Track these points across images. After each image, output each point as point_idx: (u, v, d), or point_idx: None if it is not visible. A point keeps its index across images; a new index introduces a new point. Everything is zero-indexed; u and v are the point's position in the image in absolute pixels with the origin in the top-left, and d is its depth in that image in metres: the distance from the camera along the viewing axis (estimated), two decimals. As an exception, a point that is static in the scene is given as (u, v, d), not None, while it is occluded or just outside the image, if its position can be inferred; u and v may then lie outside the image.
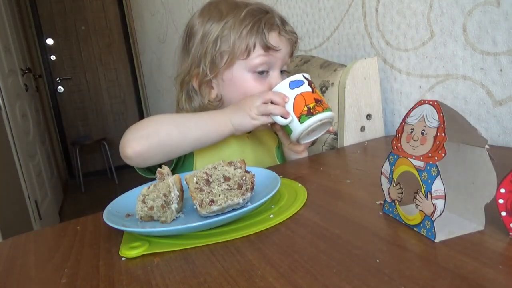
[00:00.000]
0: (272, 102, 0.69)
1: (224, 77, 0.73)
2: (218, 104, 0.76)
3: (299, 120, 0.68)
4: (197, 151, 0.75)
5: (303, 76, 0.69)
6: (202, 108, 0.76)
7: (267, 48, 0.71)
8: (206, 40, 0.72)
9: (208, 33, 0.72)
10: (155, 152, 0.65)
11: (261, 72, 0.73)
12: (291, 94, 0.68)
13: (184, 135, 0.66)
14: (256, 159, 0.80)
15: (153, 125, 0.67)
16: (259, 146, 0.83)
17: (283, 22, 0.75)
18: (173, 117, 0.70)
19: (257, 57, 0.71)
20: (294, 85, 0.68)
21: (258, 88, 0.72)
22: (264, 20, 0.71)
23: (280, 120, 0.69)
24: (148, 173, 0.72)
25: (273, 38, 0.72)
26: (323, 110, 0.68)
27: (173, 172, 0.76)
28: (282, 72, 0.76)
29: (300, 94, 0.68)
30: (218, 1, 0.76)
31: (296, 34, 0.77)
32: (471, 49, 0.70)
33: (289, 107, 0.68)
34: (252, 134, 0.82)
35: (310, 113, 0.67)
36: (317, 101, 0.68)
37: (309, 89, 0.69)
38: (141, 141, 0.64)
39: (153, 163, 0.68)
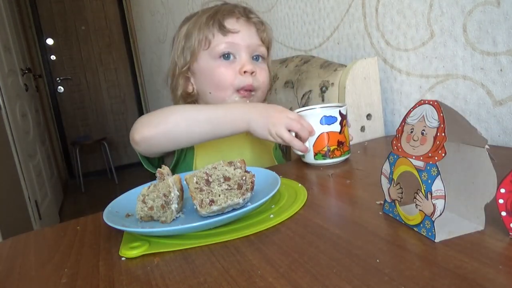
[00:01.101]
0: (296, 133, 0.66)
1: (195, 70, 0.77)
2: (194, 98, 0.80)
3: (314, 156, 0.68)
4: (198, 146, 0.76)
5: (340, 112, 0.66)
6: (182, 100, 0.80)
7: (225, 32, 0.73)
8: (177, 40, 0.79)
9: (179, 34, 0.79)
10: (160, 139, 0.67)
11: (226, 57, 0.74)
12: (318, 129, 0.66)
13: (192, 128, 0.67)
14: (254, 158, 0.80)
15: (164, 115, 0.68)
16: (258, 145, 0.83)
17: (246, 11, 0.77)
18: (186, 109, 0.70)
19: (218, 44, 0.73)
20: (325, 121, 0.66)
21: (227, 73, 0.73)
22: (221, 9, 0.76)
23: (295, 150, 0.68)
24: (150, 167, 0.74)
25: (230, 23, 0.74)
26: (341, 155, 0.67)
27: (176, 166, 0.78)
28: (257, 58, 0.77)
29: (326, 132, 0.66)
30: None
31: (263, 22, 0.78)
32: (471, 49, 0.70)
33: (311, 139, 0.67)
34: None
35: (328, 155, 0.67)
36: (339, 144, 0.67)
37: (338, 129, 0.66)
38: (149, 128, 0.66)
39: (157, 150, 0.70)
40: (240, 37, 0.74)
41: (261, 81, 0.76)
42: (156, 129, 0.66)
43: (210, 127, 0.67)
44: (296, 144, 0.65)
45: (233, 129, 0.67)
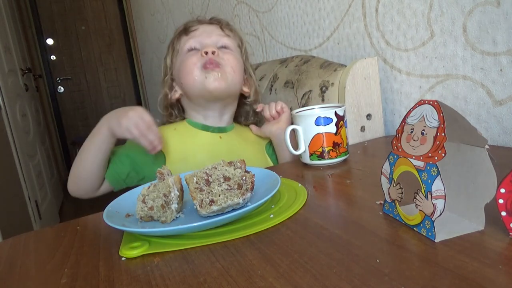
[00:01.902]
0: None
1: (174, 76, 0.86)
2: (170, 101, 0.87)
3: (309, 156, 0.68)
4: (168, 159, 0.78)
5: (335, 113, 0.66)
6: (162, 108, 0.90)
7: (188, 32, 0.84)
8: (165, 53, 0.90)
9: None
10: (79, 186, 0.75)
11: (191, 50, 0.82)
12: (313, 130, 0.67)
13: (83, 161, 0.73)
14: (235, 156, 0.78)
15: (72, 169, 0.76)
16: (242, 144, 0.84)
17: (212, 19, 0.88)
18: (79, 152, 0.75)
19: (184, 44, 0.83)
20: (320, 122, 0.66)
21: (192, 59, 0.80)
22: (191, 20, 0.88)
23: (291, 150, 0.69)
24: (119, 185, 0.78)
25: (192, 25, 0.86)
26: (336, 156, 0.67)
27: (142, 180, 0.80)
28: (225, 48, 0.84)
29: (321, 133, 0.66)
30: None
31: (227, 23, 0.89)
32: (471, 49, 0.70)
33: (307, 139, 0.68)
34: (228, 134, 0.84)
35: (323, 156, 0.67)
36: (335, 145, 0.67)
37: (334, 130, 0.66)
38: (71, 185, 0.77)
39: (86, 192, 0.76)
40: (201, 31, 0.84)
41: (225, 58, 0.81)
42: (70, 180, 0.75)
43: (87, 149, 0.73)
44: (142, 141, 0.70)
45: (101, 136, 0.72)
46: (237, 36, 0.88)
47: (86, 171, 0.74)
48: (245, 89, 0.89)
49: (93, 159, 0.73)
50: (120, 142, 0.78)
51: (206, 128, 0.84)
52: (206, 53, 0.79)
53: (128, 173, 0.77)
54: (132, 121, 0.68)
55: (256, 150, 0.85)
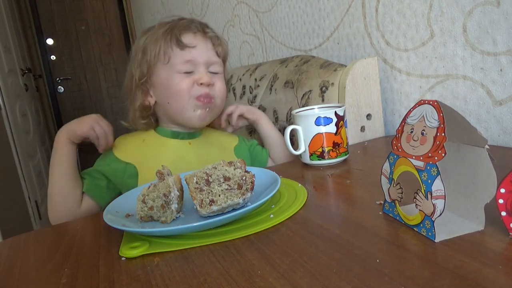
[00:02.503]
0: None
1: (153, 83, 0.79)
2: (151, 111, 0.81)
3: (309, 156, 0.68)
4: (140, 170, 0.76)
5: (335, 113, 0.66)
6: (138, 116, 0.81)
7: (183, 47, 0.76)
8: (134, 53, 0.80)
9: (136, 47, 0.80)
10: (59, 209, 0.72)
11: (187, 72, 0.76)
12: (313, 130, 0.67)
13: (54, 182, 0.71)
14: (203, 162, 0.74)
15: (48, 194, 0.73)
16: (210, 148, 0.83)
17: (202, 26, 0.80)
18: (49, 178, 0.73)
19: (177, 58, 0.76)
20: (320, 122, 0.66)
21: (184, 83, 0.75)
22: (178, 24, 0.78)
23: (291, 150, 0.69)
24: (102, 199, 0.75)
25: (187, 38, 0.77)
26: (336, 156, 0.67)
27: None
28: (216, 73, 0.79)
29: (321, 133, 0.66)
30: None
31: (218, 37, 0.81)
32: (471, 49, 0.70)
33: (307, 139, 0.68)
34: (197, 140, 0.83)
35: (323, 156, 0.67)
36: (335, 145, 0.67)
37: (334, 130, 0.66)
38: (50, 212, 0.73)
39: (68, 212, 0.72)
40: (198, 52, 0.77)
41: (217, 90, 0.79)
42: (54, 209, 0.72)
43: (53, 165, 0.72)
44: (98, 143, 0.74)
45: (61, 148, 0.72)
46: (223, 52, 0.83)
47: (60, 190, 0.71)
48: None
49: (62, 173, 0.71)
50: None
51: (175, 135, 0.81)
52: (202, 83, 0.76)
53: (106, 183, 0.76)
54: (94, 120, 0.73)
55: (224, 154, 0.84)
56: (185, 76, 0.76)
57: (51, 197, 0.72)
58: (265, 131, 0.89)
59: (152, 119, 0.83)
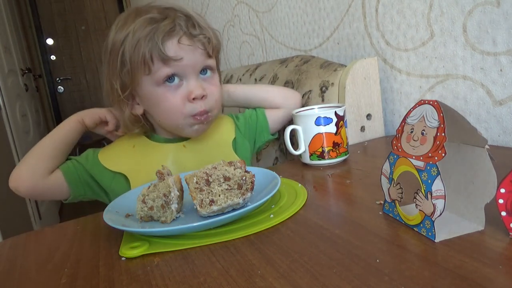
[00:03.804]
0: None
1: (139, 94, 0.70)
2: (142, 122, 0.74)
3: (309, 156, 0.68)
4: (130, 172, 0.72)
5: (335, 113, 0.66)
6: (130, 125, 0.74)
7: (166, 61, 0.65)
8: (109, 53, 0.69)
9: (111, 46, 0.68)
10: (26, 170, 0.70)
11: (170, 80, 0.67)
12: (313, 130, 0.67)
13: (43, 147, 0.71)
14: (200, 164, 0.67)
15: (24, 157, 0.72)
16: (207, 148, 0.77)
17: (188, 25, 0.67)
18: (37, 144, 0.73)
19: (159, 71, 0.65)
20: (320, 122, 0.66)
21: (174, 101, 0.67)
22: (159, 29, 0.64)
23: (291, 150, 0.69)
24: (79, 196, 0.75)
25: (171, 48, 0.65)
26: (336, 156, 0.67)
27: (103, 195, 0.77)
28: (205, 71, 0.70)
29: (321, 133, 0.66)
30: (131, 8, 0.73)
31: (207, 32, 0.69)
32: (471, 49, 0.70)
33: (307, 139, 0.68)
34: (192, 140, 0.77)
35: (322, 156, 0.67)
36: (335, 145, 0.67)
37: (334, 130, 0.66)
38: (14, 173, 0.71)
39: (32, 175, 0.69)
40: (184, 62, 0.66)
41: (213, 100, 0.70)
42: (20, 170, 0.70)
43: (57, 133, 0.73)
44: (111, 124, 0.77)
45: (70, 125, 0.74)
46: (216, 48, 0.72)
47: (40, 152, 0.70)
48: None
49: (53, 139, 0.71)
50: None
51: (168, 140, 0.76)
52: (194, 98, 0.67)
53: (82, 172, 0.73)
54: (106, 109, 0.76)
55: (223, 152, 0.78)
56: (173, 90, 0.67)
57: (25, 157, 0.70)
58: (244, 97, 0.84)
59: (147, 124, 0.76)
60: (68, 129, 0.73)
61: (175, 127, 0.71)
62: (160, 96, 0.67)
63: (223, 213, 0.48)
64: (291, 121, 0.77)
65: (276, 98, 0.85)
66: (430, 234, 0.36)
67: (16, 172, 0.70)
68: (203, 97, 0.68)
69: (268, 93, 0.86)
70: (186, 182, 0.48)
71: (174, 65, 0.66)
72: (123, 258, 0.43)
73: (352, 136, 0.82)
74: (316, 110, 0.73)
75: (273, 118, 0.85)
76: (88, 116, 0.74)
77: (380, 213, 0.44)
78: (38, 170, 0.69)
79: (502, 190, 0.34)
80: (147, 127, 0.76)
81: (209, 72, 0.71)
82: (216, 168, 0.49)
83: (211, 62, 0.71)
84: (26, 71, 2.90)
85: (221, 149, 0.79)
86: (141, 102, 0.72)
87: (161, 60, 0.65)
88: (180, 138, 0.77)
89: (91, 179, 0.74)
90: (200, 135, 0.75)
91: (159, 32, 0.64)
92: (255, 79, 1.15)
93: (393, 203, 0.42)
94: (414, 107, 0.39)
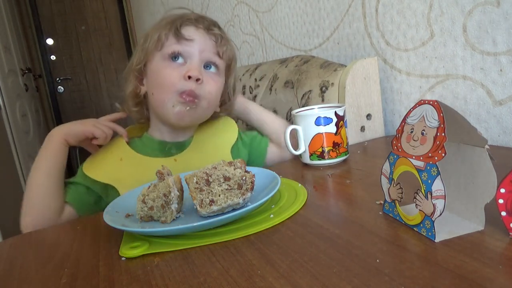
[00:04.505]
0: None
1: (147, 71, 0.75)
2: (140, 99, 0.77)
3: (309, 156, 0.68)
4: (119, 184, 0.70)
5: (335, 113, 0.66)
6: (130, 104, 0.78)
7: (179, 38, 0.71)
8: (142, 37, 0.77)
9: (140, 38, 0.78)
10: (37, 213, 0.65)
11: (175, 58, 0.71)
12: (313, 130, 0.67)
13: (37, 182, 0.67)
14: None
15: (24, 196, 0.68)
16: (201, 160, 0.73)
17: (210, 24, 0.74)
18: (28, 179, 0.69)
19: (170, 46, 0.71)
20: (320, 122, 0.66)
21: (171, 74, 0.70)
22: (184, 16, 0.74)
23: (291, 150, 0.69)
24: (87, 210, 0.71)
25: (187, 30, 0.72)
26: (336, 156, 0.67)
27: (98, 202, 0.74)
28: (209, 66, 0.73)
29: (321, 133, 0.66)
30: None
31: (224, 36, 0.75)
32: (471, 49, 0.70)
33: (307, 139, 0.68)
34: (186, 153, 0.76)
35: (323, 156, 0.67)
36: (335, 145, 0.67)
37: (334, 130, 0.66)
38: (24, 215, 0.66)
39: (47, 217, 0.66)
40: (195, 45, 0.71)
41: (207, 90, 0.71)
42: (30, 213, 0.66)
43: (43, 161, 0.68)
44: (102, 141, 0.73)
45: (54, 147, 0.69)
46: (228, 54, 0.76)
47: (43, 192, 0.66)
48: (217, 109, 0.80)
49: (50, 174, 0.67)
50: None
51: (162, 145, 0.76)
52: (190, 77, 0.68)
53: (85, 194, 0.72)
54: (95, 121, 0.73)
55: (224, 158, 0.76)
56: (175, 67, 0.70)
57: (29, 200, 0.66)
58: (258, 118, 0.84)
59: (144, 108, 0.78)
60: (55, 154, 0.68)
61: (161, 103, 0.71)
62: (161, 69, 0.71)
63: (223, 213, 0.48)
64: (291, 121, 0.77)
65: (279, 138, 0.83)
66: (430, 234, 0.36)
67: (28, 221, 0.66)
68: (198, 80, 0.69)
69: (278, 131, 0.83)
70: (186, 182, 0.48)
71: (184, 44, 0.71)
72: (123, 258, 0.43)
73: (352, 136, 0.82)
74: (316, 110, 0.73)
75: (272, 155, 0.84)
76: (71, 136, 0.70)
77: (380, 213, 0.44)
78: (52, 216, 0.66)
79: (502, 190, 0.34)
80: (143, 111, 0.79)
81: (213, 68, 0.74)
82: (216, 168, 0.49)
83: (219, 61, 0.74)
84: (26, 71, 2.91)
85: (218, 159, 0.77)
86: (146, 82, 0.76)
87: (175, 37, 0.71)
88: (174, 145, 0.76)
89: (93, 193, 0.72)
90: (179, 123, 0.72)
91: (181, 18, 0.73)
92: (255, 79, 1.15)
93: (393, 203, 0.42)
94: (414, 107, 0.39)
